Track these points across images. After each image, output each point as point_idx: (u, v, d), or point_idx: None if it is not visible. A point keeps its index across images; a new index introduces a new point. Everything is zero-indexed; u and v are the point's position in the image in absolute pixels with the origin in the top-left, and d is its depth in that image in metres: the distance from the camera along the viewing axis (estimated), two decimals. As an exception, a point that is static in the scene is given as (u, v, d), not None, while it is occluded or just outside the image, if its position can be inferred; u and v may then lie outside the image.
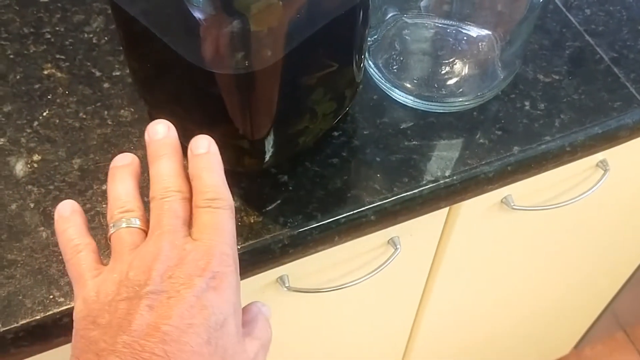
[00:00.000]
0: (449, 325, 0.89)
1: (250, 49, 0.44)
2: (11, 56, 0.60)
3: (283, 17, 0.44)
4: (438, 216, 0.64)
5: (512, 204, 0.64)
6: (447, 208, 0.63)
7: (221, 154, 0.51)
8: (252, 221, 0.52)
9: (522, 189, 0.64)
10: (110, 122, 0.56)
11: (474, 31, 0.57)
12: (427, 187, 0.54)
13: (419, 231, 0.64)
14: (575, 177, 0.67)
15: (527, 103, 0.58)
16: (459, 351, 1.01)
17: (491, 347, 1.05)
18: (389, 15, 0.58)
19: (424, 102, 0.57)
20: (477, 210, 0.65)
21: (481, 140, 0.56)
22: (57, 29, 0.62)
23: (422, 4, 0.54)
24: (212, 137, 0.50)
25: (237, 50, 0.44)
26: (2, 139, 0.55)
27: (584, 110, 0.58)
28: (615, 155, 0.65)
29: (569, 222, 0.76)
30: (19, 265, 0.49)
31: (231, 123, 0.48)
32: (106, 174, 0.53)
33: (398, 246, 0.62)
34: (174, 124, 0.53)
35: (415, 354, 0.92)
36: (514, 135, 0.56)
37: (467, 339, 0.98)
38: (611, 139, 0.58)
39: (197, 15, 0.41)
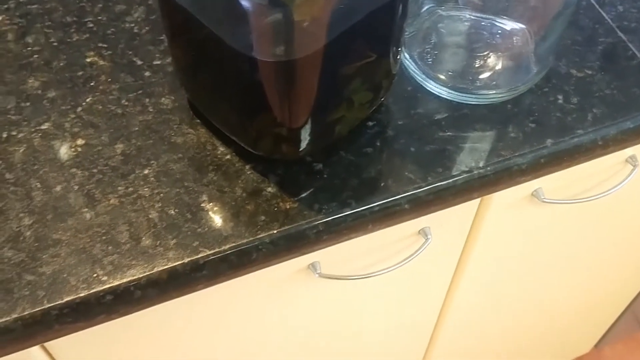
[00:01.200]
0: (472, 319, 0.90)
1: (293, 38, 0.45)
2: (55, 44, 0.61)
3: (325, 8, 0.45)
4: (469, 208, 0.65)
5: (543, 197, 0.65)
6: (479, 200, 0.64)
7: (259, 141, 0.53)
8: (287, 207, 0.53)
9: (551, 183, 0.65)
10: (151, 110, 0.58)
11: (508, 25, 0.58)
12: (460, 177, 0.55)
13: (449, 222, 0.65)
14: (604, 172, 0.68)
15: (560, 97, 0.59)
16: (480, 346, 1.01)
17: (512, 343, 1.06)
18: (425, 8, 0.59)
19: (458, 93, 0.58)
20: (507, 202, 0.65)
21: (514, 133, 0.57)
22: (100, 18, 0.63)
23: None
24: (251, 125, 0.52)
25: (280, 39, 0.45)
26: (46, 124, 0.57)
27: (616, 105, 0.59)
28: (645, 150, 0.66)
29: (596, 218, 0.76)
30: (63, 244, 0.51)
31: (270, 111, 0.50)
32: (147, 159, 0.55)
33: (429, 236, 0.63)
34: (212, 112, 0.55)
35: (439, 345, 0.93)
36: (547, 128, 0.57)
37: (488, 334, 0.98)
38: (643, 133, 0.59)
39: (244, 3, 0.42)
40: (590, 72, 0.61)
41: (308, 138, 0.52)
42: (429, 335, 0.89)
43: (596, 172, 0.68)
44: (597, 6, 0.65)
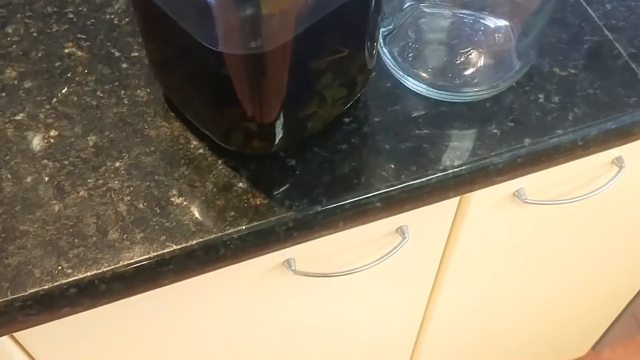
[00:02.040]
0: (460, 321, 0.89)
1: (260, 31, 0.44)
2: (34, 34, 0.61)
3: (294, 1, 0.44)
4: (448, 207, 0.64)
5: (524, 198, 0.64)
6: (457, 199, 0.63)
7: (230, 135, 0.52)
8: (258, 203, 0.52)
9: (534, 183, 0.64)
10: (126, 102, 0.57)
11: (490, 21, 0.57)
12: (435, 176, 0.54)
13: (428, 221, 0.64)
14: (589, 173, 0.67)
15: (541, 96, 0.58)
16: (470, 348, 1.00)
17: (503, 345, 1.05)
18: (407, 4, 0.58)
19: (437, 91, 0.57)
20: (488, 202, 0.64)
21: (493, 131, 0.56)
22: (80, 9, 0.63)
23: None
24: (221, 119, 0.51)
25: (247, 32, 0.44)
26: (21, 114, 0.57)
27: (599, 105, 0.57)
28: (631, 152, 0.65)
29: (585, 219, 0.75)
30: (30, 236, 0.51)
31: (240, 105, 0.49)
32: (119, 152, 0.55)
33: (406, 235, 0.62)
34: (186, 106, 0.55)
35: (425, 349, 0.92)
36: (526, 127, 0.56)
37: (478, 336, 0.97)
38: (625, 135, 0.58)
39: (207, -4, 0.41)
40: (573, 71, 0.59)
41: (279, 133, 0.52)
42: (415, 336, 0.89)
43: (582, 173, 0.67)
44: (584, 4, 0.64)
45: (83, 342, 0.60)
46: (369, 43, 0.52)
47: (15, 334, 0.56)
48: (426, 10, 0.58)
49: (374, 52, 0.54)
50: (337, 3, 0.46)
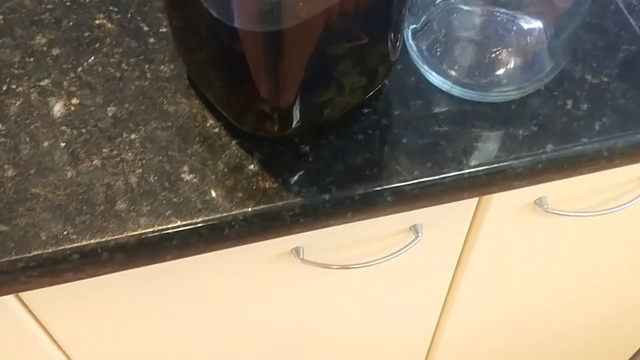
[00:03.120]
0: (476, 324, 0.87)
1: (279, 8, 0.44)
2: (67, 3, 0.62)
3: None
4: (465, 210, 0.62)
5: (546, 207, 0.62)
6: (475, 202, 0.62)
7: (244, 116, 0.52)
8: (266, 187, 0.52)
9: (557, 192, 0.62)
10: (149, 76, 0.58)
11: (523, 21, 0.55)
12: (449, 174, 0.53)
13: (444, 222, 0.63)
14: (616, 188, 0.64)
15: (569, 102, 0.56)
16: (487, 354, 0.98)
17: (520, 353, 1.02)
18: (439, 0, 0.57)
19: (462, 88, 0.56)
20: (507, 208, 0.63)
21: (514, 134, 0.54)
22: (115, -18, 0.64)
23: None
24: (236, 99, 0.51)
25: (266, 9, 0.44)
26: (46, 80, 0.57)
27: (628, 116, 0.55)
28: (663, 169, 0.62)
29: (609, 234, 0.72)
30: (40, 199, 0.51)
31: (255, 85, 0.49)
32: (137, 124, 0.55)
33: (420, 234, 0.61)
34: (204, 84, 0.55)
35: (441, 352, 0.90)
36: (549, 133, 0.54)
37: (495, 342, 0.95)
38: (654, 149, 0.55)
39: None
40: (606, 80, 0.57)
41: (293, 118, 0.51)
42: (429, 339, 0.87)
43: (608, 187, 0.64)
44: (625, 11, 0.61)
45: (88, 309, 0.61)
46: (392, 33, 0.51)
47: (20, 295, 0.56)
48: (458, 6, 0.57)
49: (398, 43, 0.53)
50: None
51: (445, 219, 0.62)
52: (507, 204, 0.62)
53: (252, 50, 0.46)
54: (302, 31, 0.45)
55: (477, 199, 0.61)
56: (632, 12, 0.61)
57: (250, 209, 0.51)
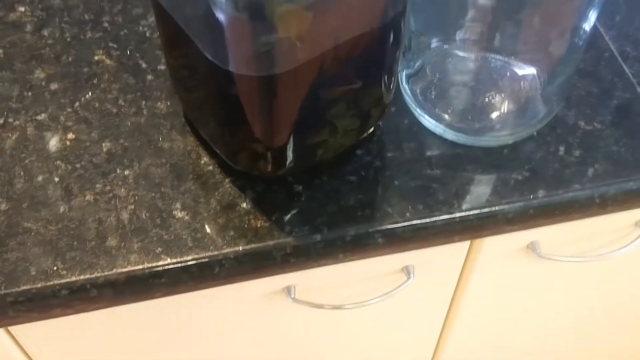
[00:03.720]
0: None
1: (274, 53, 0.44)
2: (68, 39, 0.63)
3: (311, 26, 0.44)
4: (457, 252, 0.62)
5: (539, 251, 0.62)
6: (467, 245, 0.62)
7: (238, 155, 0.53)
8: (258, 225, 0.52)
9: (551, 237, 0.62)
10: (145, 112, 0.58)
11: (517, 67, 0.56)
12: (441, 217, 0.53)
13: (436, 263, 0.63)
14: (611, 233, 0.64)
15: (562, 148, 0.56)
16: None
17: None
18: (433, 44, 0.57)
19: (455, 132, 0.56)
20: (500, 252, 0.63)
21: (506, 179, 0.55)
22: (116, 19, 0.64)
23: (460, 36, 0.53)
24: (231, 139, 0.52)
25: (261, 54, 0.44)
26: (43, 114, 0.58)
27: (621, 164, 0.55)
28: (656, 216, 0.62)
29: (607, 278, 0.72)
30: (32, 233, 0.51)
31: (250, 126, 0.49)
32: (131, 160, 0.55)
33: (411, 275, 0.61)
34: (199, 121, 0.55)
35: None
36: (541, 179, 0.55)
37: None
38: (646, 197, 0.55)
39: (220, 17, 0.42)
40: (599, 126, 0.58)
41: (286, 158, 0.51)
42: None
43: (603, 232, 0.64)
44: (620, 59, 0.62)
45: (77, 344, 0.60)
46: (385, 77, 0.52)
47: (10, 329, 0.56)
48: (452, 51, 0.57)
49: (392, 86, 0.54)
50: (354, 33, 0.46)
51: (437, 261, 0.62)
52: (500, 248, 0.62)
53: (247, 93, 0.47)
54: (296, 75, 0.46)
55: (469, 241, 0.61)
56: (626, 60, 0.62)
57: (241, 248, 0.51)
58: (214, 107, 0.51)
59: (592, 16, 0.49)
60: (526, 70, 0.56)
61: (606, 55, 0.62)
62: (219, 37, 0.43)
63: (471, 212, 0.53)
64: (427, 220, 0.53)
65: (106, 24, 0.64)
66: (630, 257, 0.65)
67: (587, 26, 0.49)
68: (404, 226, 0.53)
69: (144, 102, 0.59)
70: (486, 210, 0.53)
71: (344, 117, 0.51)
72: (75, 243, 0.51)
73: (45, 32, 0.63)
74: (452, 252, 0.62)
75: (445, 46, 0.56)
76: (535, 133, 0.57)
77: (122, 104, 0.59)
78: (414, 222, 0.53)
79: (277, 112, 0.48)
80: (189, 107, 0.56)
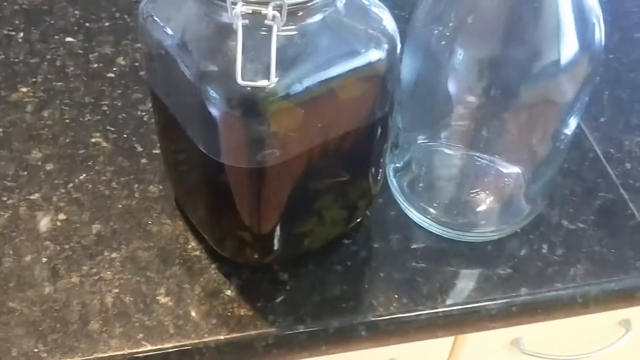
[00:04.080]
0: None
1: (265, 147, 0.46)
2: (67, 121, 0.65)
3: (301, 122, 0.46)
4: (442, 347, 0.62)
5: (523, 348, 0.62)
6: (452, 340, 0.62)
7: (224, 242, 0.53)
8: (242, 314, 0.52)
9: (536, 334, 0.62)
10: (137, 195, 0.59)
11: (501, 166, 0.57)
12: (424, 312, 0.53)
13: (420, 357, 0.62)
14: (596, 331, 0.64)
15: (545, 246, 0.57)
16: None
17: None
18: (420, 140, 0.59)
19: (440, 227, 0.57)
20: (484, 347, 0.62)
21: (490, 276, 0.55)
22: (115, 103, 0.66)
23: (445, 134, 0.55)
24: (217, 225, 0.52)
25: (252, 148, 0.46)
26: (36, 194, 0.59)
27: (603, 264, 0.56)
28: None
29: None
30: (16, 314, 0.51)
31: (237, 214, 0.50)
32: (119, 243, 0.56)
33: (395, 368, 0.60)
34: (188, 206, 0.56)
35: None
36: (524, 276, 0.55)
37: None
38: (628, 298, 0.56)
39: (213, 112, 0.43)
40: (582, 226, 0.59)
41: (273, 246, 0.52)
42: None
43: (587, 330, 0.64)
44: (603, 160, 0.64)
45: None
46: (373, 171, 0.53)
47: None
48: (439, 148, 0.59)
49: (379, 179, 0.55)
50: (342, 130, 0.48)
51: (421, 355, 0.62)
52: (484, 343, 0.62)
53: (236, 183, 0.48)
54: (285, 168, 0.47)
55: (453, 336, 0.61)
56: (609, 161, 0.63)
57: (222, 337, 0.51)
58: (203, 193, 0.52)
59: (573, 123, 0.50)
60: (510, 169, 0.57)
61: (590, 155, 0.64)
62: (212, 130, 0.45)
63: (454, 308, 0.53)
64: (412, 314, 0.53)
65: (105, 107, 0.66)
66: (615, 356, 0.65)
67: (568, 131, 0.51)
68: (388, 319, 0.53)
69: (136, 185, 0.60)
70: (469, 306, 0.54)
71: (332, 208, 0.52)
72: (58, 325, 0.51)
73: (45, 113, 0.65)
74: (436, 346, 0.61)
75: (432, 143, 0.58)
76: (519, 230, 0.58)
77: (115, 186, 0.60)
78: (398, 315, 0.53)
79: (265, 202, 0.49)
80: (179, 192, 0.57)
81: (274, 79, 0.40)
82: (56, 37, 0.73)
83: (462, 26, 0.47)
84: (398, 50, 0.47)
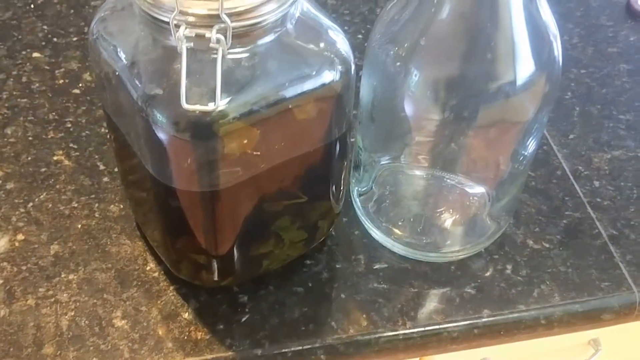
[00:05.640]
0: None
1: (217, 170, 0.45)
2: (30, 138, 0.64)
3: (256, 143, 0.45)
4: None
5: (490, 369, 0.61)
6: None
7: (180, 265, 0.52)
8: (198, 337, 0.51)
9: (505, 354, 0.61)
10: (97, 215, 0.58)
11: (466, 185, 0.57)
12: (384, 335, 0.52)
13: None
14: (565, 351, 0.64)
15: (509, 266, 0.56)
16: None
17: None
18: (382, 161, 0.58)
19: (403, 247, 0.56)
20: (451, 367, 0.62)
21: (452, 297, 0.54)
22: (79, 120, 0.66)
23: (406, 154, 0.54)
24: (173, 248, 0.52)
25: (203, 172, 0.45)
26: (-5, 214, 0.58)
27: (568, 285, 0.55)
28: (609, 335, 0.62)
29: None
30: (-32, 337, 0.51)
31: (192, 237, 0.49)
32: (77, 264, 0.55)
33: (359, 390, 0.59)
34: (146, 228, 0.55)
35: None
36: (487, 298, 0.54)
37: None
38: (593, 320, 0.55)
39: (161, 137, 0.42)
40: (547, 245, 0.58)
41: (229, 269, 0.51)
42: None
43: (556, 349, 0.63)
44: (571, 178, 0.63)
45: None
46: (333, 190, 0.52)
47: None
48: (401, 168, 0.58)
49: (340, 199, 0.54)
50: (297, 150, 0.47)
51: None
52: (450, 364, 0.61)
53: (189, 207, 0.47)
54: (239, 190, 0.46)
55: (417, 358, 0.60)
56: (577, 179, 0.63)
57: (178, 361, 0.50)
58: (158, 216, 0.51)
59: (531, 144, 0.50)
60: (474, 189, 0.56)
61: (558, 173, 0.63)
62: (161, 155, 0.44)
63: (415, 330, 0.53)
64: (371, 336, 0.52)
65: (69, 125, 0.65)
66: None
67: (527, 152, 0.50)
68: (347, 343, 0.52)
69: (97, 205, 0.59)
70: (430, 328, 0.53)
71: (290, 229, 0.52)
72: (11, 349, 0.50)
73: (9, 131, 0.64)
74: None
75: (394, 164, 0.57)
76: (483, 250, 0.57)
77: (75, 205, 0.59)
78: (358, 338, 0.52)
79: (220, 224, 0.48)
80: (137, 212, 0.56)
81: (219, 102, 0.39)
82: (23, 52, 0.72)
83: (416, 47, 0.46)
84: (352, 72, 0.46)
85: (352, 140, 0.57)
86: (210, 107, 0.39)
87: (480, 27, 0.44)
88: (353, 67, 0.46)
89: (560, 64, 0.47)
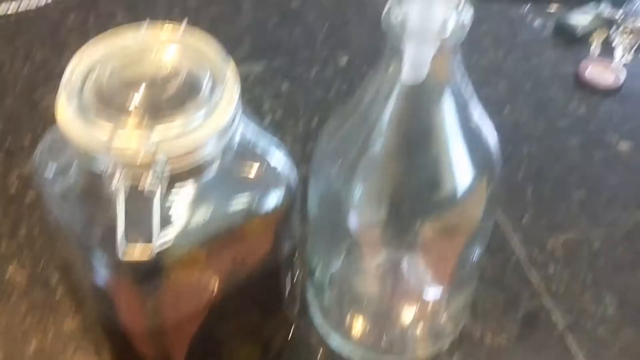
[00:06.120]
0: None
1: (162, 304, 0.45)
2: (-18, 252, 0.63)
3: (197, 278, 0.45)
4: None
5: None
6: None
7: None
8: None
9: None
10: (51, 333, 0.58)
11: (421, 287, 0.57)
12: None
13: None
14: None
15: (468, 366, 0.56)
16: None
17: None
18: (334, 268, 0.57)
19: (362, 350, 0.56)
20: None
21: (411, 402, 0.54)
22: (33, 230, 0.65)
23: (357, 262, 0.54)
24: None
25: (147, 311, 0.45)
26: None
27: (526, 382, 0.55)
28: None
29: None
30: None
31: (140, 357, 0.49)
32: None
33: None
34: (98, 349, 0.54)
35: None
36: (447, 401, 0.54)
37: None
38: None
39: (102, 276, 0.42)
40: (505, 341, 0.58)
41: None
42: None
43: None
44: (527, 265, 0.63)
45: None
46: (285, 304, 0.52)
47: None
48: (354, 274, 0.58)
49: (293, 310, 0.54)
50: (245, 273, 0.47)
51: None
52: None
53: (134, 339, 0.47)
54: (184, 322, 0.46)
55: None
56: (533, 265, 0.63)
57: None
58: (105, 341, 0.50)
59: (477, 251, 0.50)
60: (430, 290, 0.56)
61: (513, 260, 0.64)
62: (104, 297, 0.44)
63: None
64: None
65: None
66: None
67: (475, 258, 0.51)
68: None
69: (52, 319, 0.58)
70: None
71: (242, 348, 0.51)
72: None
73: (-40, 246, 0.64)
74: None
75: (346, 270, 0.57)
76: (443, 350, 0.57)
77: (30, 322, 0.58)
78: None
79: (169, 350, 0.48)
80: (87, 330, 0.56)
81: (155, 249, 0.39)
82: (-25, 158, 0.72)
83: (357, 162, 0.46)
84: (295, 193, 0.46)
85: (303, 250, 0.56)
86: (144, 255, 0.39)
87: (415, 139, 0.44)
88: (294, 187, 0.46)
89: (499, 167, 0.48)
